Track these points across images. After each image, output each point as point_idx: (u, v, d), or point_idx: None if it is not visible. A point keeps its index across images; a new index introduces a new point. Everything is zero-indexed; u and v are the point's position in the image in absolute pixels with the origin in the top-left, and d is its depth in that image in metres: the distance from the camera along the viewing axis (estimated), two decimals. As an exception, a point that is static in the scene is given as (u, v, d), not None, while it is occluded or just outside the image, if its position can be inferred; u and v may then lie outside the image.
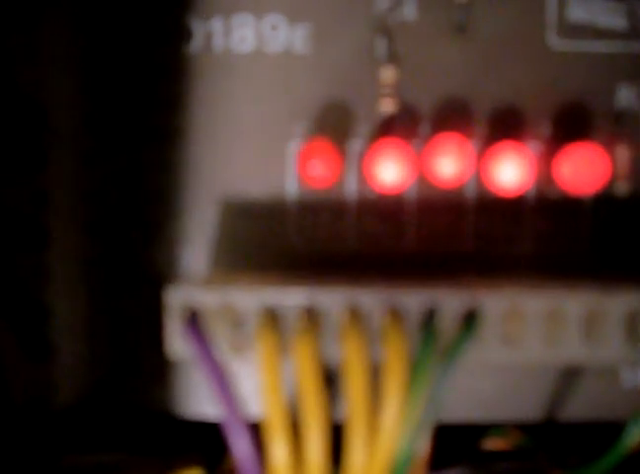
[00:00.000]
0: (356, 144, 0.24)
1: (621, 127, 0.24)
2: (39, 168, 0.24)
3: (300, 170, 0.23)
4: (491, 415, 0.24)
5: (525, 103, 0.24)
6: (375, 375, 0.19)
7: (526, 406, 0.24)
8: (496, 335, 0.20)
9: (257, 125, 0.24)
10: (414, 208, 0.24)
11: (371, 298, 0.20)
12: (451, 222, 0.24)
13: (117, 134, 0.24)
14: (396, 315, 0.20)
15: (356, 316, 0.20)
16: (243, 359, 0.20)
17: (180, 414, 0.24)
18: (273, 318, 0.20)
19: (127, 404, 0.24)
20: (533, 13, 0.24)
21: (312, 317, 0.20)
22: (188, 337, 0.19)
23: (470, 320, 0.20)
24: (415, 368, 0.19)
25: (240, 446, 0.19)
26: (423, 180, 0.23)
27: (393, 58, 0.24)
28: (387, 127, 0.24)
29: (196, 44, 0.24)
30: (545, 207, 0.24)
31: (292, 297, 0.20)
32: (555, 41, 0.24)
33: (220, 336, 0.20)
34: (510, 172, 0.23)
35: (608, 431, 0.21)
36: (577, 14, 0.24)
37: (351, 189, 0.24)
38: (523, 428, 0.23)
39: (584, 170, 0.22)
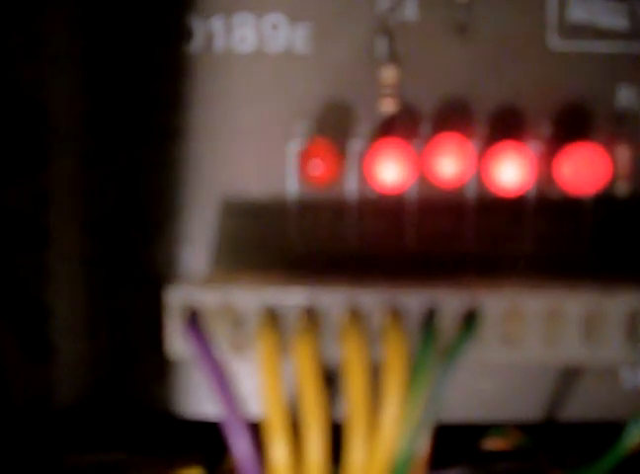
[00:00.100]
0: (356, 144, 0.24)
1: (622, 128, 0.24)
2: (39, 167, 0.24)
3: (301, 170, 0.23)
4: (491, 415, 0.24)
5: (526, 103, 0.24)
6: (375, 375, 0.19)
7: (526, 406, 0.24)
8: (496, 335, 0.20)
9: (257, 125, 0.24)
10: (414, 208, 0.24)
11: (372, 298, 0.20)
12: (452, 222, 0.24)
13: (117, 134, 0.24)
14: (396, 315, 0.20)
15: (356, 316, 0.20)
16: (243, 359, 0.20)
17: (180, 413, 0.24)
18: (273, 318, 0.20)
19: (128, 403, 0.24)
20: (534, 13, 0.24)
21: (312, 317, 0.20)
22: (188, 336, 0.19)
23: (470, 320, 0.20)
24: (415, 368, 0.19)
25: (240, 446, 0.19)
26: (423, 180, 0.23)
27: (394, 58, 0.24)
28: (388, 127, 0.24)
29: (196, 44, 0.24)
30: (546, 208, 0.24)
31: (293, 297, 0.20)
32: (556, 42, 0.24)
33: (220, 335, 0.20)
34: (510, 172, 0.23)
35: (608, 431, 0.21)
36: (577, 14, 0.24)
37: (351, 188, 0.24)
38: (523, 428, 0.23)
39: (584, 170, 0.22)
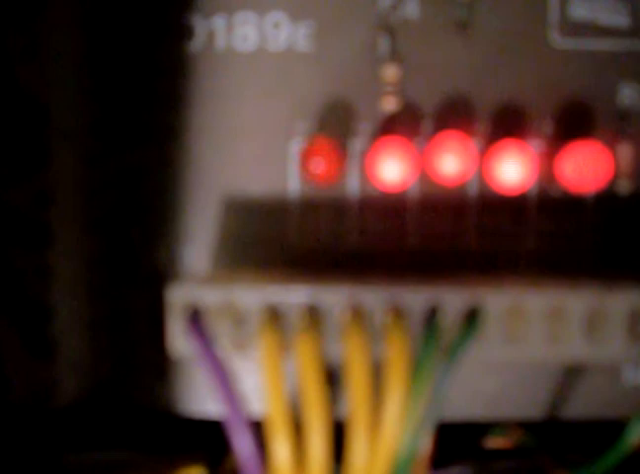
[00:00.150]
0: (358, 142, 0.24)
1: (624, 125, 0.24)
2: (40, 167, 0.24)
3: (302, 168, 0.23)
4: (493, 413, 0.24)
5: (528, 101, 0.24)
6: (377, 373, 0.19)
7: (529, 404, 0.24)
8: (498, 333, 0.20)
9: (259, 124, 0.24)
10: (416, 206, 0.24)
11: (373, 296, 0.20)
12: (453, 220, 0.24)
13: (118, 133, 0.24)
14: (398, 313, 0.20)
15: (358, 314, 0.20)
16: (245, 357, 0.20)
17: (182, 412, 0.24)
18: (274, 316, 0.20)
19: (129, 402, 0.24)
20: (536, 11, 0.24)
21: (314, 315, 0.20)
22: (190, 335, 0.19)
23: (472, 318, 0.20)
24: (417, 366, 0.19)
25: (242, 444, 0.19)
26: (425, 178, 0.23)
27: (396, 56, 0.24)
28: (389, 125, 0.24)
29: (198, 43, 0.24)
30: (547, 206, 0.24)
31: (294, 295, 0.20)
32: (557, 39, 0.24)
33: (222, 334, 0.20)
34: (512, 170, 0.23)
35: (610, 429, 0.21)
36: (579, 12, 0.24)
37: (353, 187, 0.24)
38: (526, 426, 0.23)
39: (586, 168, 0.22)
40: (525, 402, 0.24)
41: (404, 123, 0.24)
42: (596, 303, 0.20)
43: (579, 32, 0.24)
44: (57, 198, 0.24)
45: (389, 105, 0.24)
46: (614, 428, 0.21)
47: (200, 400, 0.24)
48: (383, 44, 0.24)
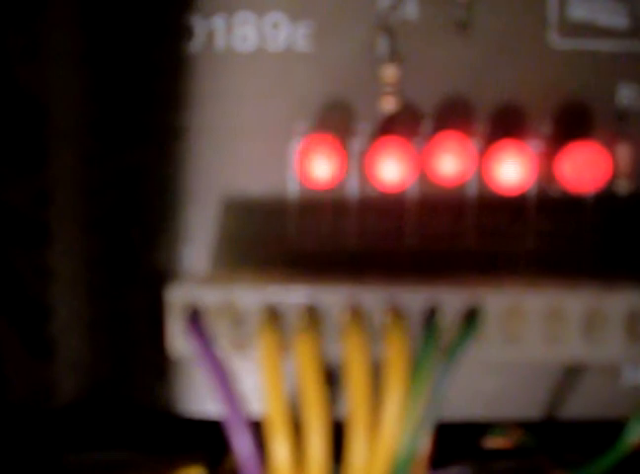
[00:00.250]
0: (357, 142, 0.24)
1: (623, 126, 0.24)
2: (39, 167, 0.24)
3: (301, 168, 0.23)
4: (492, 413, 0.24)
5: (527, 101, 0.24)
6: (377, 373, 0.19)
7: (528, 404, 0.24)
8: (497, 333, 0.20)
9: (258, 124, 0.24)
10: (415, 207, 0.24)
11: (372, 297, 0.20)
12: (453, 221, 0.24)
13: (118, 133, 0.24)
14: (397, 313, 0.20)
15: (357, 314, 0.20)
16: (244, 357, 0.20)
17: (181, 412, 0.24)
18: (274, 316, 0.20)
19: (129, 402, 0.24)
20: (534, 11, 0.24)
21: (313, 315, 0.20)
22: (189, 335, 0.19)
23: (471, 318, 0.20)
24: (416, 366, 0.19)
25: (241, 444, 0.19)
26: (424, 178, 0.23)
27: (395, 57, 0.24)
28: (389, 126, 0.24)
29: (197, 43, 0.24)
30: (546, 206, 0.24)
31: (294, 295, 0.20)
32: (556, 40, 0.24)
33: (222, 334, 0.20)
34: (511, 170, 0.23)
35: (609, 429, 0.21)
36: (578, 12, 0.24)
37: (352, 187, 0.24)
38: (525, 426, 0.24)
39: (585, 168, 0.22)
40: (525, 402, 0.24)
41: (403, 124, 0.24)
42: (595, 303, 0.20)
43: (578, 32, 0.24)
44: (57, 198, 0.24)
45: (388, 105, 0.24)
46: (613, 428, 0.21)
47: (200, 400, 0.24)
48: (382, 45, 0.24)
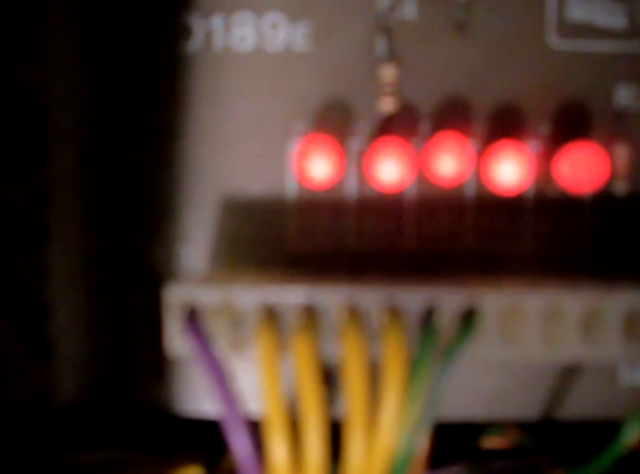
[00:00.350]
0: (356, 143, 0.24)
1: (620, 127, 0.24)
2: (38, 167, 0.24)
3: (300, 168, 0.23)
4: (490, 413, 0.24)
5: (525, 102, 0.24)
6: (374, 373, 0.19)
7: (525, 404, 0.24)
8: (495, 333, 0.20)
9: (256, 124, 0.24)
10: (413, 207, 0.24)
11: (370, 297, 0.20)
12: (451, 221, 0.24)
13: (116, 133, 0.24)
14: (395, 313, 0.20)
15: (355, 314, 0.20)
16: (242, 357, 0.20)
17: (179, 412, 0.24)
18: (272, 316, 0.20)
19: (127, 402, 0.24)
20: (533, 12, 0.24)
21: (311, 315, 0.20)
22: (187, 334, 0.19)
23: (469, 318, 0.20)
24: (414, 366, 0.19)
25: (239, 444, 0.19)
26: (422, 178, 0.23)
27: (393, 57, 0.24)
28: (387, 126, 0.24)
29: (196, 43, 0.24)
30: (544, 206, 0.24)
31: (292, 295, 0.20)
32: (555, 41, 0.24)
33: (220, 333, 0.20)
34: (509, 171, 0.23)
35: (607, 429, 0.21)
36: (576, 13, 0.24)
37: (350, 187, 0.24)
38: (522, 426, 0.24)
39: (583, 169, 0.22)
40: (522, 402, 0.24)
41: (402, 124, 0.24)
42: (593, 304, 0.20)
43: (576, 33, 0.24)
44: (56, 198, 0.24)
45: (387, 105, 0.24)
46: (611, 428, 0.21)
47: (198, 400, 0.24)
48: (381, 45, 0.24)
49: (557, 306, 0.20)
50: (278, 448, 0.18)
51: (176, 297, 0.20)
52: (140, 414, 0.24)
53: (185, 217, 0.24)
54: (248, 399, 0.21)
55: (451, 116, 0.24)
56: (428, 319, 0.20)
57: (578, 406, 0.24)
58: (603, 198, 0.24)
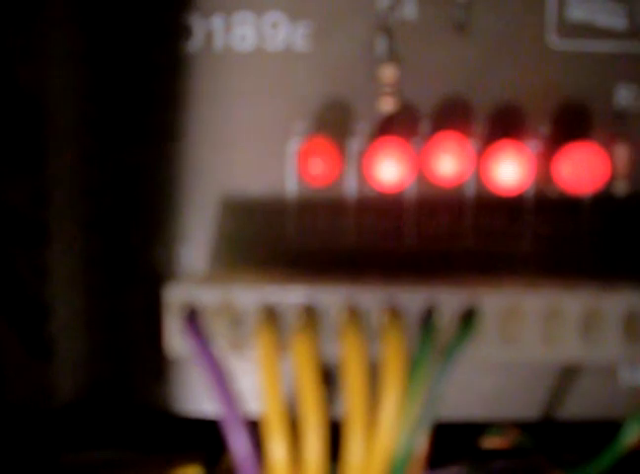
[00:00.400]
0: (355, 143, 0.24)
1: (620, 127, 0.24)
2: (38, 166, 0.24)
3: (300, 168, 0.23)
4: (489, 413, 0.24)
5: (525, 102, 0.24)
6: (374, 373, 0.19)
7: (525, 404, 0.24)
8: (495, 333, 0.20)
9: (257, 124, 0.24)
10: (413, 207, 0.24)
11: (370, 296, 0.20)
12: (451, 221, 0.24)
13: (116, 133, 0.24)
14: (395, 313, 0.20)
15: (354, 314, 0.20)
16: (242, 357, 0.20)
17: (179, 411, 0.24)
18: (272, 316, 0.20)
19: (126, 401, 0.24)
20: (533, 12, 0.24)
21: (311, 315, 0.20)
22: (187, 334, 0.19)
23: (469, 318, 0.20)
24: (413, 366, 0.19)
25: (239, 444, 0.19)
26: (422, 178, 0.23)
27: (393, 57, 0.24)
28: (387, 126, 0.24)
29: (196, 43, 0.24)
30: (544, 206, 0.24)
31: (291, 295, 0.20)
32: (555, 41, 0.24)
33: (219, 333, 0.20)
34: (509, 171, 0.23)
35: (606, 429, 0.21)
36: (576, 13, 0.24)
37: (350, 187, 0.24)
38: (522, 426, 0.24)
39: (583, 169, 0.22)
40: (522, 402, 0.24)
41: (401, 124, 0.24)
42: (592, 304, 0.20)
43: (576, 33, 0.24)
44: (56, 198, 0.24)
45: (387, 105, 0.24)
46: (610, 428, 0.21)
47: (197, 399, 0.24)
48: (381, 45, 0.24)
49: (557, 306, 0.20)
50: (277, 448, 0.18)
51: (176, 297, 0.20)
52: (140, 414, 0.24)
53: (185, 217, 0.24)
54: (248, 399, 0.21)
55: (451, 116, 0.24)
56: (428, 319, 0.20)
57: (578, 406, 0.24)
58: (603, 199, 0.24)
